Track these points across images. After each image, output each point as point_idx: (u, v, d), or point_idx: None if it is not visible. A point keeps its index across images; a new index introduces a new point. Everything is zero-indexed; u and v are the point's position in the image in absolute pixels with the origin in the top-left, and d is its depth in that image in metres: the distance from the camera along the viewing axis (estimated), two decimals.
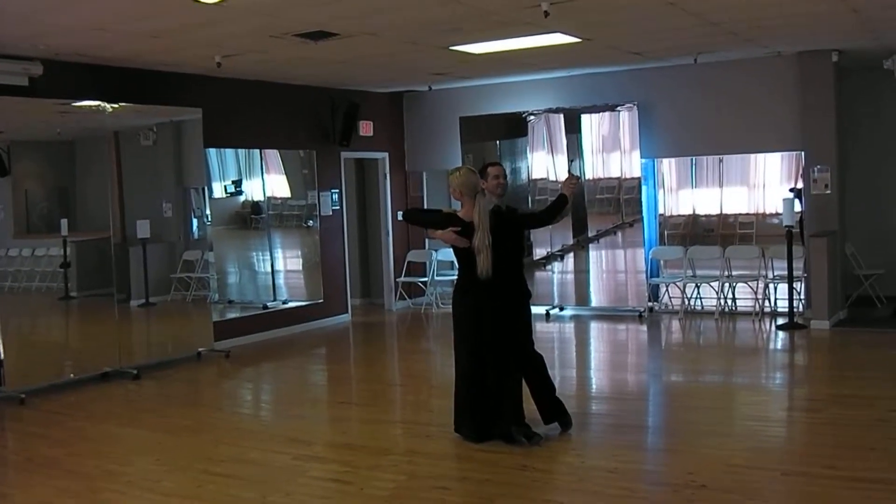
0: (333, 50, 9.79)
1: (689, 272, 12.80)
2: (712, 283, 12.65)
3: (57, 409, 8.83)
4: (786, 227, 11.48)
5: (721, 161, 12.95)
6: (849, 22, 9.45)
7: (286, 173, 13.60)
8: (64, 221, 10.16)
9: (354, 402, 9.31)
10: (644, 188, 13.08)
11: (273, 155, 13.20)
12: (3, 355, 9.21)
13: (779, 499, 5.76)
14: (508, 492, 5.90)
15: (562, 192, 7.16)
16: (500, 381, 6.89)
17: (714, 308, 12.55)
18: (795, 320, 11.53)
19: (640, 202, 13.12)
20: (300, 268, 14.26)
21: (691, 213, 13.28)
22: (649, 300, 13.09)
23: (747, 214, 13.00)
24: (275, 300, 13.28)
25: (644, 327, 12.40)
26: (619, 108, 13.13)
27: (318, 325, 13.29)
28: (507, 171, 7.73)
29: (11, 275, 9.70)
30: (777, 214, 12.36)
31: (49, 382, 9.57)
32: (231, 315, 12.50)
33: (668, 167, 13.30)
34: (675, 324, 12.47)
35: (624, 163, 13.34)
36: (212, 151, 12.01)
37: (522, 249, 7.28)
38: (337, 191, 13.78)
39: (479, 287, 6.85)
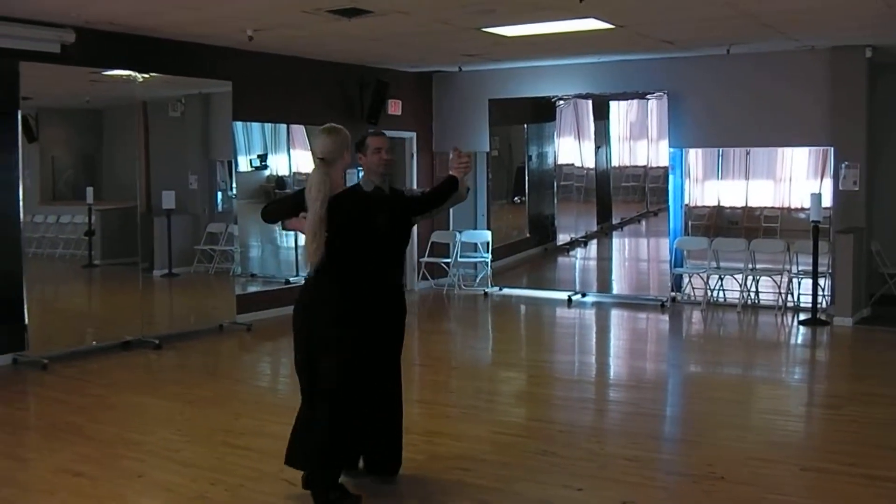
0: (366, 27, 9.76)
1: (713, 263, 12.73)
2: (736, 276, 12.59)
3: (78, 375, 8.90)
4: (812, 222, 11.42)
5: (748, 153, 12.86)
6: (883, 16, 9.34)
7: (312, 149, 13.58)
8: (89, 189, 10.21)
9: None
10: (671, 178, 13.01)
11: (299, 130, 13.18)
12: (27, 320, 9.28)
13: (797, 494, 5.73)
14: (528, 475, 5.91)
15: (450, 174, 5.73)
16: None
17: (737, 300, 12.49)
18: (818, 316, 11.47)
19: (667, 191, 13.06)
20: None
21: (716, 204, 13.21)
22: (672, 290, 13.04)
23: (773, 208, 12.90)
24: (297, 275, 13.27)
25: (665, 317, 12.36)
26: (648, 97, 13.07)
27: None
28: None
29: (36, 241, 9.75)
30: (803, 209, 12.29)
31: (71, 349, 9.65)
32: (253, 289, 12.52)
33: (695, 157, 13.21)
34: (697, 315, 12.43)
35: (651, 151, 13.31)
36: (238, 125, 12.00)
37: (406, 243, 5.94)
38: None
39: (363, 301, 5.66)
